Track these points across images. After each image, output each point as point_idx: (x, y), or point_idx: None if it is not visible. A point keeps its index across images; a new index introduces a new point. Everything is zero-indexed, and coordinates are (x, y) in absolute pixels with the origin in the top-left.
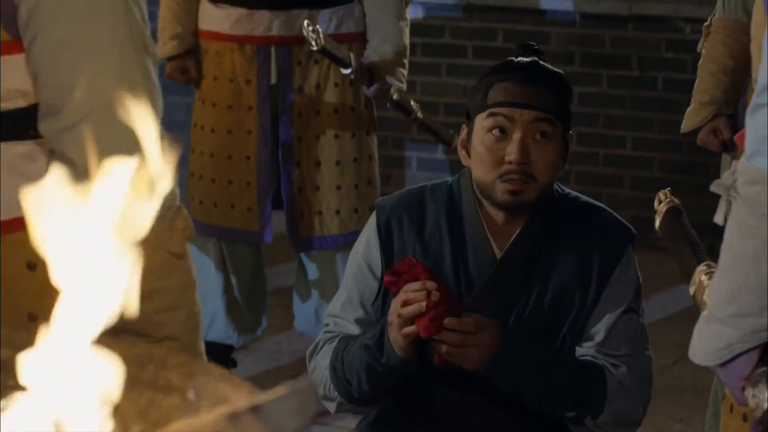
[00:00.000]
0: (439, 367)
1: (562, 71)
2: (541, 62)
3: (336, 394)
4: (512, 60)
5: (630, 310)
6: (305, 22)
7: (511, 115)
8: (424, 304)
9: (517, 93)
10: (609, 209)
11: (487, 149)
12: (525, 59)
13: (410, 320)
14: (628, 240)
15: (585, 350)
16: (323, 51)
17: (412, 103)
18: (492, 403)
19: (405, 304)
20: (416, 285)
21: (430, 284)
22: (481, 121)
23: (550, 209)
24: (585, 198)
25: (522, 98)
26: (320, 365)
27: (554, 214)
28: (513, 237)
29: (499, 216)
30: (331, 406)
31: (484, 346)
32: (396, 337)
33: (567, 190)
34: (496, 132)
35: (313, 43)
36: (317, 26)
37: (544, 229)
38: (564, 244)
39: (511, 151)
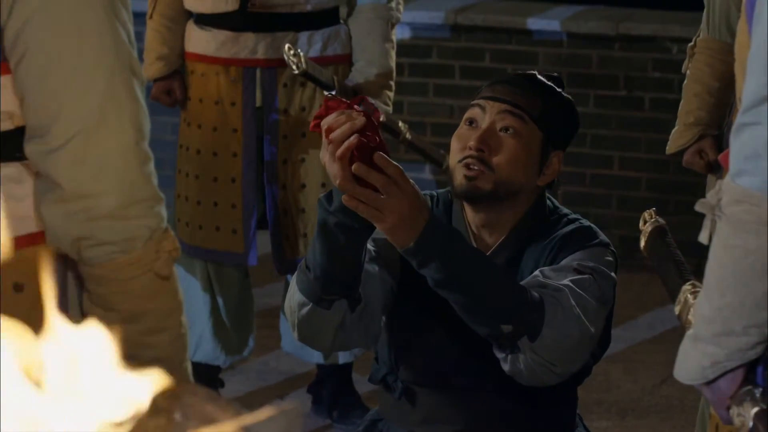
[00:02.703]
0: (429, 369)
1: (569, 97)
2: (539, 76)
3: (297, 302)
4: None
5: (587, 273)
6: (286, 46)
7: (485, 106)
8: (349, 124)
9: (497, 89)
10: (595, 227)
11: (458, 137)
12: (528, 71)
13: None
14: (597, 244)
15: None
16: (305, 74)
17: (400, 124)
18: (486, 405)
19: (329, 131)
20: (334, 114)
21: (354, 113)
22: (464, 116)
23: (535, 224)
24: (574, 215)
25: (499, 93)
26: (291, 286)
27: (538, 228)
28: (492, 248)
29: (478, 223)
30: (295, 332)
31: (407, 196)
32: (332, 169)
33: (560, 208)
34: (468, 122)
35: (294, 66)
36: (298, 50)
37: (525, 243)
38: (536, 253)
39: (472, 138)
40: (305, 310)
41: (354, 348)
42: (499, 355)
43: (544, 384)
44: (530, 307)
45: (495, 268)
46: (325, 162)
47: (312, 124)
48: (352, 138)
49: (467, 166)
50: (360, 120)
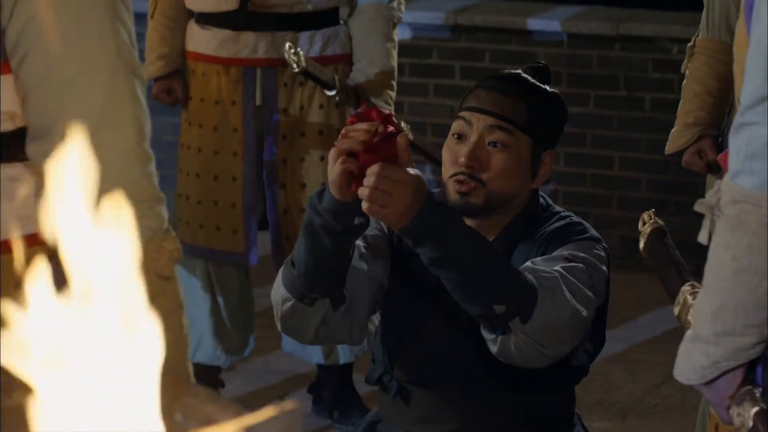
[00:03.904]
0: (423, 368)
1: (557, 92)
2: (523, 76)
3: (281, 296)
4: (500, 71)
5: (578, 262)
6: (287, 45)
7: (470, 119)
8: (361, 139)
9: (482, 99)
10: (586, 223)
11: (448, 150)
12: (511, 71)
13: (347, 155)
14: (588, 238)
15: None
16: (305, 73)
17: (402, 124)
18: (480, 404)
19: (345, 137)
20: (363, 124)
21: (372, 125)
22: (452, 125)
23: (528, 222)
24: (566, 213)
25: (483, 104)
26: (277, 278)
27: (530, 226)
28: None
29: (471, 224)
30: (278, 324)
31: (404, 185)
32: (332, 168)
33: (552, 206)
34: (456, 136)
35: (295, 65)
36: (298, 49)
37: (517, 240)
38: (526, 248)
39: (462, 154)
40: (288, 305)
41: (338, 343)
42: (489, 336)
43: (533, 366)
44: (523, 288)
45: (490, 249)
46: (329, 165)
47: (349, 120)
48: (339, 166)
49: (458, 182)
50: (353, 142)
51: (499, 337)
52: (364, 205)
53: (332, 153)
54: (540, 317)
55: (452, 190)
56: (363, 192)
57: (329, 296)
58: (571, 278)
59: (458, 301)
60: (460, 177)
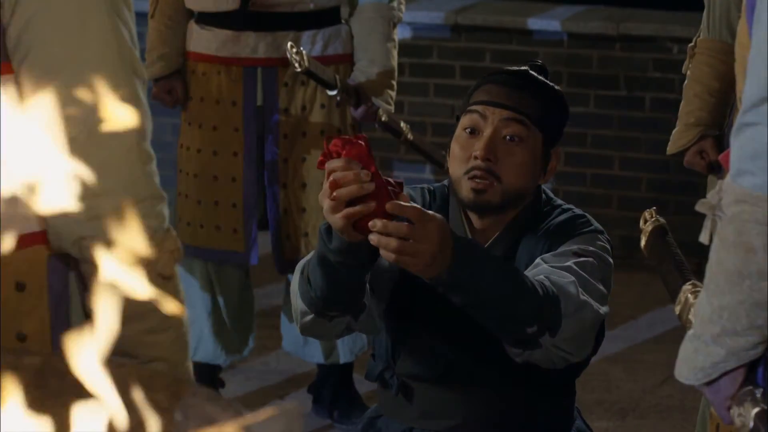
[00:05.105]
0: (426, 363)
1: (560, 89)
2: (531, 72)
3: (300, 309)
4: (506, 67)
5: (589, 256)
6: (289, 45)
7: (485, 112)
8: (356, 187)
9: (494, 93)
10: (589, 216)
11: (459, 146)
12: (517, 67)
13: (346, 202)
14: (592, 231)
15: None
16: (308, 73)
17: (402, 124)
18: (484, 399)
19: (335, 185)
20: (339, 162)
21: (365, 173)
22: (461, 121)
23: (531, 217)
24: (568, 206)
25: (497, 97)
26: (294, 279)
27: (533, 221)
28: (489, 241)
29: (476, 220)
30: (299, 330)
31: (430, 239)
32: (332, 219)
33: (554, 199)
34: (469, 130)
35: (297, 65)
36: (301, 48)
37: (521, 235)
38: (531, 243)
39: (478, 147)
40: (308, 318)
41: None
42: (516, 351)
43: (556, 368)
44: (549, 303)
45: (519, 278)
46: (324, 210)
47: (318, 161)
48: (358, 208)
49: (474, 179)
50: (369, 186)
51: (525, 352)
52: (389, 256)
53: (328, 203)
54: (567, 328)
55: (466, 188)
56: (387, 252)
57: (349, 313)
58: (585, 275)
59: (490, 331)
60: (476, 173)
